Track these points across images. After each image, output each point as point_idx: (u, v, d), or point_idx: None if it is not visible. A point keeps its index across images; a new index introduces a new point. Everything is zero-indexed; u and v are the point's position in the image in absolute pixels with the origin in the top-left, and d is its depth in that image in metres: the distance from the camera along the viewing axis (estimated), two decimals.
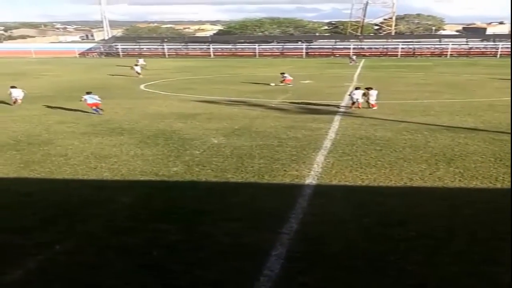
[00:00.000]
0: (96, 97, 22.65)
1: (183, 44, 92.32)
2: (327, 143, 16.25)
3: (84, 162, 14.11)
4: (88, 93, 22.87)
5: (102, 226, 9.41)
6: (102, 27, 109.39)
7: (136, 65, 45.92)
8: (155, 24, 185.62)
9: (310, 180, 12.28)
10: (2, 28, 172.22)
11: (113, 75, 45.27)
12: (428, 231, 9.02)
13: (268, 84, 34.88)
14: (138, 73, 43.64)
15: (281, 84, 35.15)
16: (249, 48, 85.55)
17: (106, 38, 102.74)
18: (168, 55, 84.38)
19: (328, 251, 8.31)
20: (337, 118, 21.18)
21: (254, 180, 12.31)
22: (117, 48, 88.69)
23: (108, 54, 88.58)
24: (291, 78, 36.00)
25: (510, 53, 64.89)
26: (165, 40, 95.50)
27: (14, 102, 25.79)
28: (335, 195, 11.26)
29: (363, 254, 8.17)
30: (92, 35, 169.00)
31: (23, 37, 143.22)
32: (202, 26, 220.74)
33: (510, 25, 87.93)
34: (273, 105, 24.90)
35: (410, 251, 8.23)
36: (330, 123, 19.89)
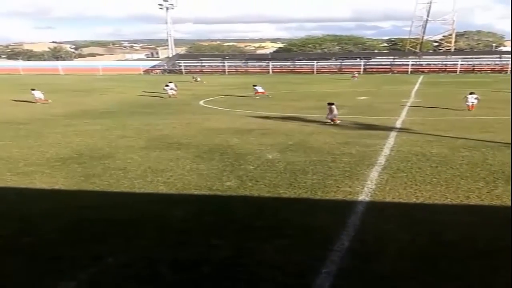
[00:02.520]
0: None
1: (243, 61, 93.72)
2: (382, 159, 16.00)
3: (142, 175, 14.41)
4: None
5: (154, 240, 9.53)
6: (167, 45, 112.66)
7: (167, 85, 43.24)
8: (218, 42, 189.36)
9: (363, 196, 12.07)
10: (73, 46, 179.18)
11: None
12: (485, 251, 8.66)
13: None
14: (170, 96, 41.57)
15: (256, 96, 39.06)
16: (307, 65, 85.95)
17: (170, 55, 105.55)
18: (228, 72, 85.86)
19: (379, 270, 8.10)
20: (392, 134, 20.85)
21: (306, 196, 12.22)
22: (180, 66, 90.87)
23: (171, 71, 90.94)
24: (263, 91, 39.90)
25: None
26: (226, 57, 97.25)
27: (37, 102, 27.06)
28: (388, 212, 11.01)
29: (415, 274, 7.93)
30: (157, 53, 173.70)
31: (92, 55, 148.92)
32: (263, 44, 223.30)
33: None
34: (327, 121, 24.71)
35: (465, 272, 7.93)
36: (385, 139, 19.60)
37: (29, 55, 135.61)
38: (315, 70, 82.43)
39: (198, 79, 61.31)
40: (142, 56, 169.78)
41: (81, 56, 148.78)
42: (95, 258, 8.64)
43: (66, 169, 15.26)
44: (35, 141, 19.88)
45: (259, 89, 40.28)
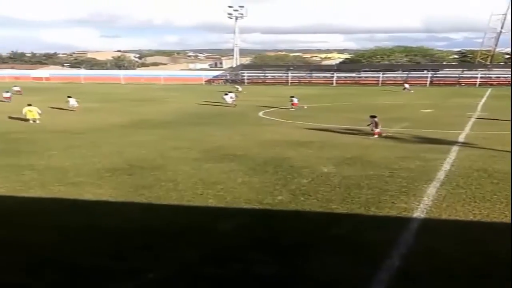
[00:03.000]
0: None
1: (307, 72, 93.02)
2: (441, 175, 15.19)
3: (192, 188, 14.05)
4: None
5: (198, 255, 9.14)
6: (232, 55, 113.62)
7: (226, 94, 44.48)
8: (284, 53, 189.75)
9: (419, 213, 11.45)
10: (138, 55, 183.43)
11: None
12: None
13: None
14: (229, 104, 42.75)
15: (292, 108, 39.13)
16: (372, 77, 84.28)
17: (234, 65, 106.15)
18: (291, 83, 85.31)
19: None
20: (454, 148, 19.92)
21: (359, 212, 11.66)
22: (243, 76, 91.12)
23: (233, 82, 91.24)
24: (297, 103, 40.08)
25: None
26: (291, 68, 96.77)
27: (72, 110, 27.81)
28: (443, 230, 10.42)
29: None
30: (220, 63, 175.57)
31: (155, 64, 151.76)
32: (329, 55, 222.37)
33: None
34: (389, 134, 23.89)
35: None
36: (447, 153, 18.68)
37: (92, 64, 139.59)
38: (380, 82, 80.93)
39: (240, 89, 61.08)
40: (206, 66, 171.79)
41: (144, 65, 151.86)
42: (134, 272, 8.30)
43: (116, 180, 15.10)
44: (88, 151, 19.93)
45: (295, 100, 40.61)
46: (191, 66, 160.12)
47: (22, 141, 22.47)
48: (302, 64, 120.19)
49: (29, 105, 31.55)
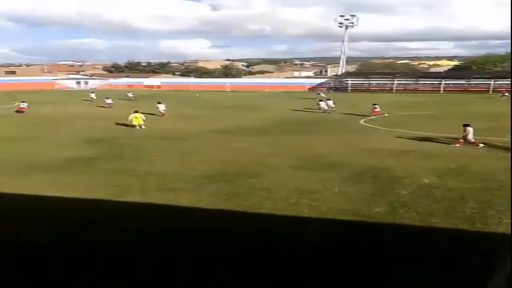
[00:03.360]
0: None
1: (413, 79, 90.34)
2: None
3: (286, 197, 13.85)
4: None
5: (285, 268, 8.86)
6: (338, 63, 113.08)
7: (321, 100, 46.35)
8: (391, 60, 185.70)
9: None
10: (245, 64, 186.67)
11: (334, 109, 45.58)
12: None
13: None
14: (324, 110, 44.25)
15: (373, 115, 39.07)
16: (483, 84, 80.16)
17: (339, 73, 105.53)
18: (396, 90, 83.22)
19: None
20: None
21: (462, 227, 10.89)
22: (347, 83, 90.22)
23: (336, 89, 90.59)
24: (379, 110, 40.47)
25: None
26: (397, 75, 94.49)
27: (162, 115, 35.38)
28: None
29: None
30: (326, 71, 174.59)
31: (261, 72, 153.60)
32: (438, 62, 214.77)
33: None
34: (499, 144, 22.41)
35: None
36: None
37: (202, 72, 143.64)
38: (491, 89, 76.90)
39: (323, 95, 60.30)
40: (311, 73, 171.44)
41: (250, 73, 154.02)
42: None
43: (212, 186, 15.21)
44: (188, 157, 20.35)
45: (377, 108, 41.15)
46: (296, 74, 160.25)
47: (127, 146, 23.39)
48: (408, 71, 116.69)
49: (136, 111, 33.02)
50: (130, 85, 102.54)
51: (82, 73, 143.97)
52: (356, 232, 10.91)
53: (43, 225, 11.36)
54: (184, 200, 13.62)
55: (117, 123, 34.24)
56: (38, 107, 48.18)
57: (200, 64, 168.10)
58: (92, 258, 9.33)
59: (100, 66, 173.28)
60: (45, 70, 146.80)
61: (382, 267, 8.77)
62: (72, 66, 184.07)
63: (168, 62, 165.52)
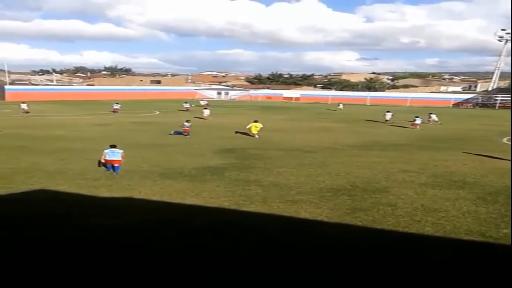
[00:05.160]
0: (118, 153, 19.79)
1: None
2: None
3: (410, 214, 13.73)
4: (112, 146, 20.22)
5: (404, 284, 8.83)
6: (490, 78, 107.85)
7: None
8: None
9: None
10: (391, 77, 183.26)
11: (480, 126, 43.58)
12: None
13: None
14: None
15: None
16: None
17: (489, 89, 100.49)
18: None
19: None
20: None
21: None
22: (496, 99, 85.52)
23: (483, 105, 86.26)
24: (417, 123, 43.18)
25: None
26: None
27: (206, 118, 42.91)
28: None
29: None
30: (475, 86, 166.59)
31: (406, 86, 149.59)
32: None
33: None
34: None
35: None
36: None
37: (344, 85, 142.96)
38: None
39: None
40: (458, 88, 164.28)
41: (394, 87, 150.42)
42: None
43: (335, 200, 15.40)
44: (315, 170, 20.64)
45: (417, 121, 43.80)
46: (443, 88, 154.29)
47: (256, 157, 24.18)
48: None
49: (256, 121, 34.55)
50: (269, 97, 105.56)
51: (224, 83, 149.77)
52: (479, 253, 10.66)
53: (173, 231, 12.26)
54: (306, 213, 13.94)
55: (237, 132, 35.97)
56: (176, 116, 51.07)
57: (344, 77, 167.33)
58: (223, 265, 9.92)
59: (243, 77, 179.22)
60: (189, 80, 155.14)
61: None
62: (215, 76, 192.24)
63: (312, 75, 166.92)
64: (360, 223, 12.98)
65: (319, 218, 13.47)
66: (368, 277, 9.24)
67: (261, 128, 33.96)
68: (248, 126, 34.29)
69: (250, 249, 10.76)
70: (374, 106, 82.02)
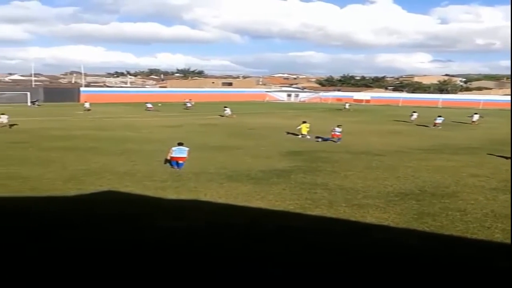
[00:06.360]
0: (184, 150, 21.21)
1: None
2: None
3: (480, 219, 13.59)
4: (179, 144, 21.53)
5: None
6: None
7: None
8: None
9: None
10: (464, 79, 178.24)
11: None
12: None
13: None
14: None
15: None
16: None
17: None
18: None
19: None
20: None
21: None
22: None
23: None
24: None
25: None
26: None
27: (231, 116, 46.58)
28: None
29: None
30: None
31: (479, 88, 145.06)
32: None
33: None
34: None
35: None
36: None
37: (415, 88, 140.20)
38: None
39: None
40: None
41: (467, 89, 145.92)
42: None
43: (402, 205, 15.37)
44: (383, 174, 20.58)
45: (438, 120, 45.39)
46: None
47: (324, 160, 24.22)
48: None
49: (304, 122, 35.20)
50: (339, 99, 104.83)
51: (295, 86, 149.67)
52: None
53: (236, 234, 12.58)
54: (372, 217, 14.00)
55: (288, 132, 36.59)
56: (244, 118, 51.85)
57: (416, 79, 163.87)
58: (286, 269, 10.16)
59: (314, 79, 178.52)
60: (260, 82, 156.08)
61: None
62: (286, 79, 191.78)
63: (384, 77, 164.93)
64: (427, 229, 12.94)
65: (386, 223, 13.50)
66: (435, 285, 9.26)
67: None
68: (298, 127, 34.96)
69: (314, 255, 10.90)
70: (446, 109, 79.90)
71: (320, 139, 32.93)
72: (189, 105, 69.80)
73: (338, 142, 31.71)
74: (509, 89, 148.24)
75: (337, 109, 74.12)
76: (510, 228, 12.52)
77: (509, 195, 16.23)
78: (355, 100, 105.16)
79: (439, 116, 46.09)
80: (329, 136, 32.77)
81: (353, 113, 65.61)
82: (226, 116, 52.95)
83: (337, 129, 32.83)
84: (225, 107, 55.66)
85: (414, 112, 52.53)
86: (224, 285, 9.19)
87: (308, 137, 33.90)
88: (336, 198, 16.03)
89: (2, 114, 39.44)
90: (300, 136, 34.09)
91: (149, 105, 64.33)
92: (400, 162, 23.81)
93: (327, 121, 44.40)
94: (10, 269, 9.58)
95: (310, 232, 12.74)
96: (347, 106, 76.12)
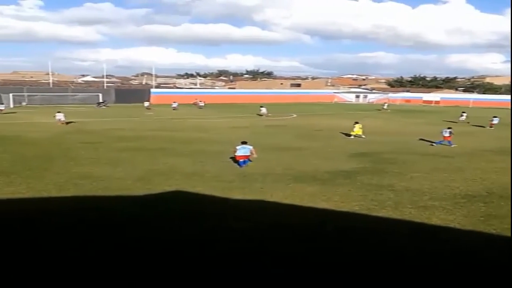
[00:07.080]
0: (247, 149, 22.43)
1: None
2: None
3: None
4: (243, 142, 22.80)
5: None
6: None
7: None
8: None
9: None
10: None
11: None
12: None
13: None
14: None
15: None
16: None
17: None
18: None
19: None
20: None
21: None
22: None
23: None
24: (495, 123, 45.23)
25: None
26: None
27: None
28: None
29: None
30: None
31: None
32: None
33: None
34: None
35: None
36: None
37: (486, 88, 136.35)
38: None
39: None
40: None
41: None
42: None
43: (469, 207, 15.31)
44: (450, 175, 20.44)
45: (494, 121, 45.84)
46: None
47: (391, 161, 24.26)
48: None
49: (356, 122, 36.10)
50: (408, 100, 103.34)
51: (363, 87, 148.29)
52: None
53: (301, 235, 12.92)
54: (437, 219, 14.02)
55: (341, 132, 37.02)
56: (312, 119, 51.99)
57: (488, 79, 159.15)
58: (349, 272, 10.48)
59: (383, 80, 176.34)
60: (328, 84, 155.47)
61: None
62: (355, 80, 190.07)
63: (455, 77, 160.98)
64: (494, 231, 12.87)
65: (451, 225, 13.50)
66: None
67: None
68: (355, 129, 35.73)
69: (376, 257, 11.03)
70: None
71: (436, 143, 31.65)
72: (201, 104, 74.57)
73: (450, 145, 30.71)
74: None
75: (377, 109, 74.95)
76: None
77: None
78: (424, 101, 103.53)
79: (495, 117, 45.29)
80: (441, 139, 31.81)
81: (422, 114, 64.41)
82: (263, 115, 57.03)
83: (446, 130, 31.85)
84: (261, 106, 59.71)
85: (464, 112, 54.55)
86: (288, 284, 9.48)
87: (364, 136, 34.64)
88: (402, 200, 16.10)
89: (58, 112, 43.62)
90: (363, 137, 34.68)
91: (175, 105, 67.62)
92: (468, 164, 23.56)
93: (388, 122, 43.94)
94: (78, 266, 10.04)
95: (374, 233, 12.87)
96: (385, 106, 78.94)
